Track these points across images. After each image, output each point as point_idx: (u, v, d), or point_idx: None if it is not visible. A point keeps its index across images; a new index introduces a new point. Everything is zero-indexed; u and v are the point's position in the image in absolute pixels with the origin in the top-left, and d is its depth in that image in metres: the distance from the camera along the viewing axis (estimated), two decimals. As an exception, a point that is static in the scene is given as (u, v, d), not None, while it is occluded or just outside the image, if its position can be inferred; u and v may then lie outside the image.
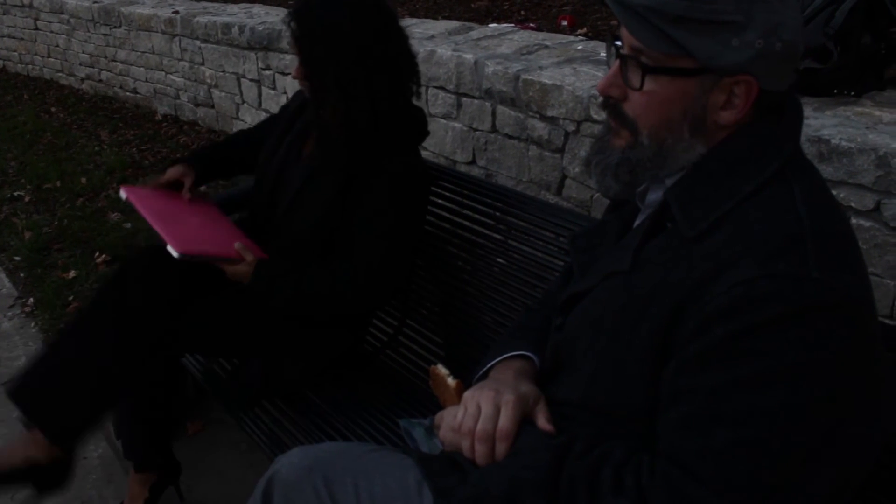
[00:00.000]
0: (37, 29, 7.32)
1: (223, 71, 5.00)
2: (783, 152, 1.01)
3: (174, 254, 1.68)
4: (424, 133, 1.93)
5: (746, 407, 0.89)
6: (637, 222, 1.17)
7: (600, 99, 1.09)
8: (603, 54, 1.11)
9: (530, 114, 2.82)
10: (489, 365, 1.27)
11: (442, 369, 1.31)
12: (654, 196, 1.11)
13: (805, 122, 2.07)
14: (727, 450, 0.90)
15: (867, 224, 1.98)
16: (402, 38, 1.82)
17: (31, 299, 3.34)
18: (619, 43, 1.06)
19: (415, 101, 1.90)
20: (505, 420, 1.09)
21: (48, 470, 1.70)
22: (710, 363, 0.92)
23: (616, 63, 1.05)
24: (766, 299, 0.89)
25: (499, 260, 1.94)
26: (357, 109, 1.74)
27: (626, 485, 0.95)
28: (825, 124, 2.07)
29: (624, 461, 0.98)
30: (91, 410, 1.71)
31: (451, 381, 1.28)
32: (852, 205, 1.98)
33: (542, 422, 1.11)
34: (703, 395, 0.93)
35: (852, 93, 2.27)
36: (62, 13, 6.76)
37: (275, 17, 4.74)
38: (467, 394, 1.15)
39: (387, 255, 1.79)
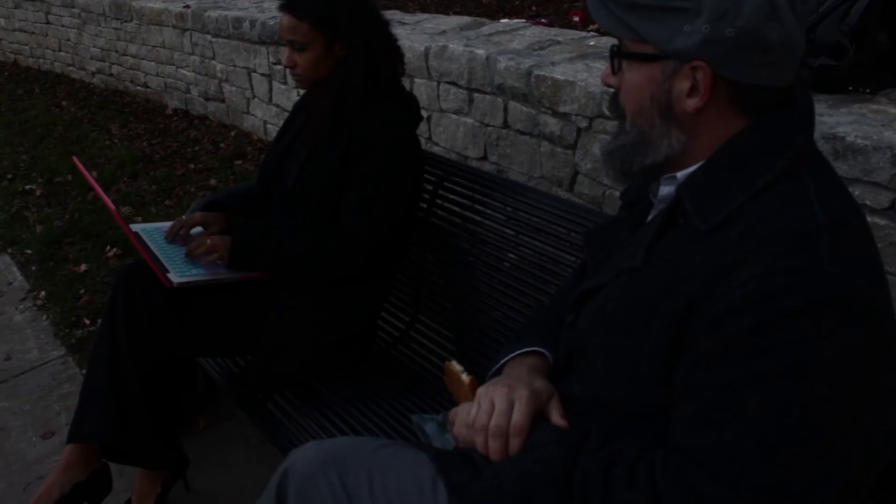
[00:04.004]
0: (48, 23, 7.36)
1: (234, 65, 5.00)
2: (794, 145, 1.00)
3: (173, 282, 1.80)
4: (418, 117, 2.01)
5: (758, 403, 0.89)
6: (649, 218, 1.17)
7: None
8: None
9: (542, 109, 2.81)
10: (503, 361, 1.27)
11: (456, 366, 1.30)
12: (667, 191, 1.11)
13: (820, 119, 2.08)
14: (740, 445, 0.90)
15: (882, 222, 1.97)
16: (392, 36, 1.94)
17: (43, 292, 3.36)
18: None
19: (424, 96, 1.94)
20: (518, 416, 1.09)
21: (91, 482, 1.85)
22: (722, 359, 0.92)
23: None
24: (777, 294, 0.89)
25: (510, 255, 1.93)
26: (352, 73, 1.85)
27: (639, 481, 0.95)
28: (840, 122, 2.05)
29: (637, 457, 0.98)
30: (112, 419, 1.81)
31: (465, 377, 1.28)
32: (867, 203, 1.97)
33: (556, 417, 1.11)
34: (715, 391, 0.92)
35: (868, 90, 2.25)
36: (73, 7, 6.79)
37: (286, 11, 4.74)
38: (481, 390, 1.15)
39: (368, 219, 1.84)
